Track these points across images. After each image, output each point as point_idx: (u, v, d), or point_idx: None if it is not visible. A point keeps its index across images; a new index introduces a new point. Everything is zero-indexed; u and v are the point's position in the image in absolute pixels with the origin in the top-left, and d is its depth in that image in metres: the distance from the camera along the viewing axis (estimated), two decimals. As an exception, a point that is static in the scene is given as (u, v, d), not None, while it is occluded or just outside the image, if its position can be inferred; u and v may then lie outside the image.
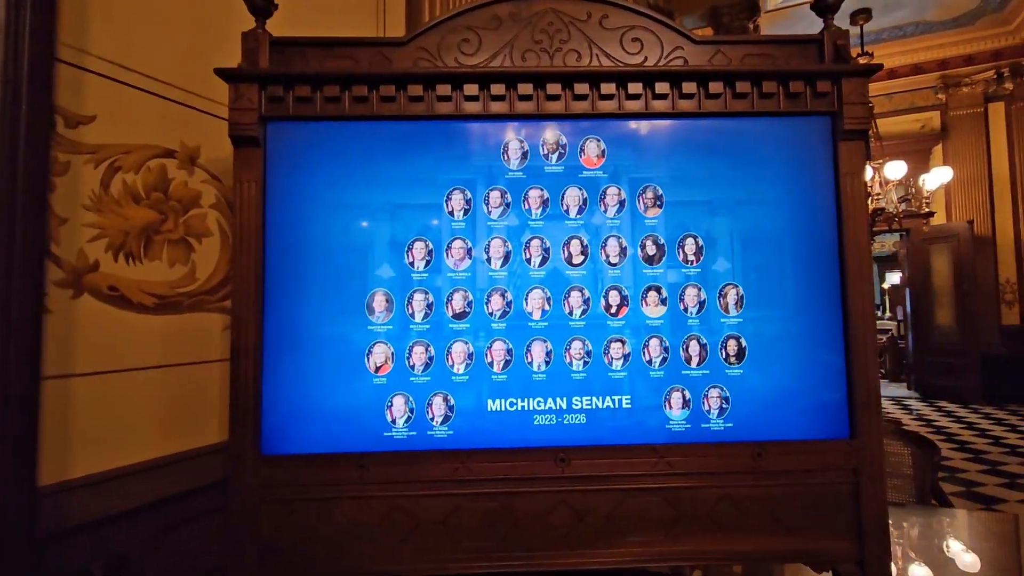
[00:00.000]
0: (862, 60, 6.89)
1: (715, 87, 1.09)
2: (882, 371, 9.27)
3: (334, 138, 1.08)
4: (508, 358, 1.06)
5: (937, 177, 6.31)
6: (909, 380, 8.25)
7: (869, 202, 6.39)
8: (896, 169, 6.04)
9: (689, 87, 1.09)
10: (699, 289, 1.08)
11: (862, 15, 6.89)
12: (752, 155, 1.12)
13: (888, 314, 15.58)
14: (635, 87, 1.09)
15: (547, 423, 1.06)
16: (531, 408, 1.06)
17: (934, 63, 7.90)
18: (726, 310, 1.08)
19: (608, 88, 1.09)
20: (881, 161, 6.25)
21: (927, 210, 6.53)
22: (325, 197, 1.07)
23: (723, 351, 1.08)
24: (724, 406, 1.07)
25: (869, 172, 6.19)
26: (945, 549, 1.62)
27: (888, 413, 6.71)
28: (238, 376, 1.01)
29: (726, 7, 5.77)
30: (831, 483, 1.06)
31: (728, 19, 5.81)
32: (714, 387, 1.07)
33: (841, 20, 6.39)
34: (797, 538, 1.06)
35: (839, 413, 1.06)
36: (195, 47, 1.28)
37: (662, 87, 1.09)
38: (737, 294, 1.09)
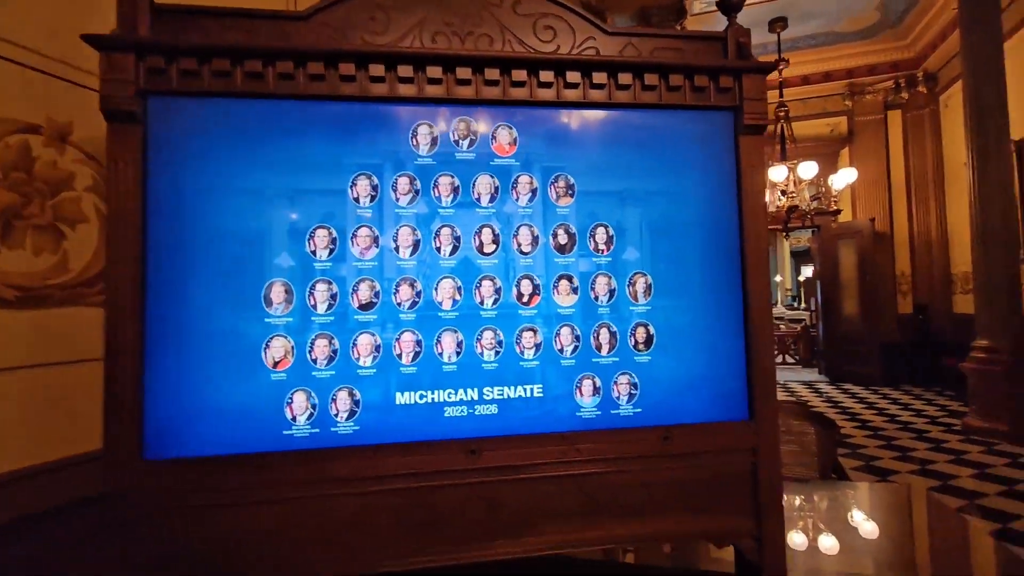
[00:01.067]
0: (780, 67, 7.33)
1: (624, 78, 1.11)
2: (796, 358, 9.98)
3: (226, 116, 1.00)
4: (418, 349, 1.03)
5: (843, 178, 6.81)
6: (820, 366, 8.91)
7: (784, 200, 6.82)
8: (808, 169, 6.47)
9: (599, 77, 1.10)
10: (610, 278, 1.10)
11: (779, 23, 7.32)
12: (661, 147, 1.14)
13: (803, 305, 16.74)
14: (546, 75, 1.08)
15: (458, 415, 1.04)
16: (441, 400, 1.04)
17: (842, 72, 8.53)
18: (635, 298, 1.10)
19: (519, 75, 1.08)
20: (795, 161, 6.68)
21: (835, 208, 7.06)
22: (216, 180, 0.99)
23: (632, 338, 1.10)
24: (633, 392, 1.09)
25: (784, 172, 6.61)
26: (847, 519, 1.75)
27: (800, 396, 7.22)
28: (115, 375, 0.92)
29: (655, 8, 5.95)
30: (732, 463, 1.11)
31: (657, 20, 6.00)
32: (623, 374, 1.09)
33: (761, 27, 6.72)
34: (702, 517, 1.10)
35: (739, 396, 1.11)
36: (68, 10, 1.15)
37: (573, 76, 1.09)
38: (646, 283, 1.11)
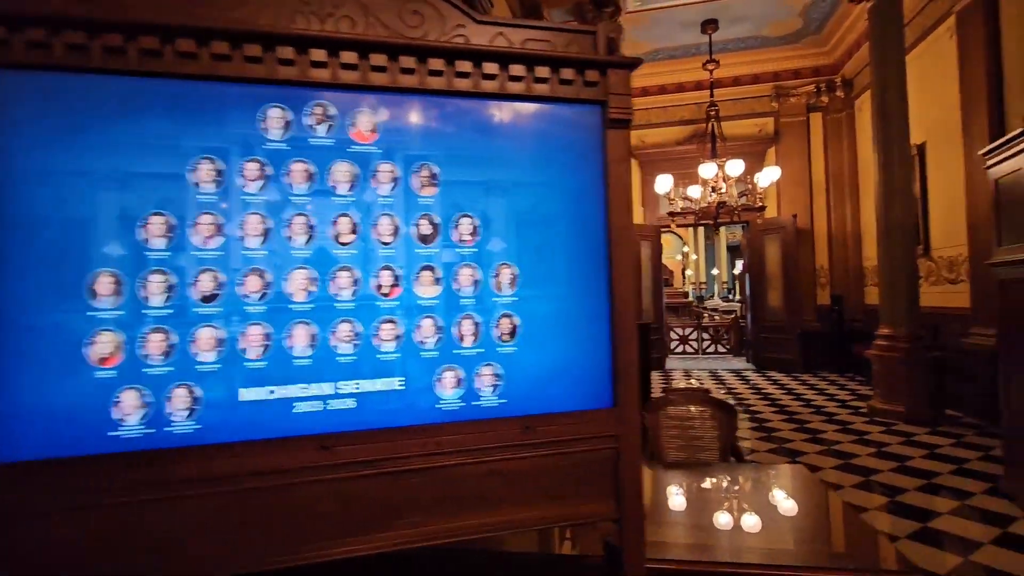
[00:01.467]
0: (709, 67, 7.58)
1: (491, 68, 1.10)
2: (727, 347, 10.45)
3: (44, 91, 0.92)
4: (266, 343, 0.99)
5: (768, 176, 7.13)
6: (748, 354, 9.36)
7: (714, 196, 7.08)
8: (735, 167, 6.74)
9: (464, 66, 1.09)
10: (474, 269, 1.09)
11: (711, 25, 7.57)
12: (528, 138, 1.14)
13: (738, 297, 17.54)
14: (408, 61, 1.06)
15: (310, 410, 1.01)
16: (292, 396, 1.00)
17: (769, 74, 8.93)
18: (500, 290, 1.10)
19: (379, 60, 1.05)
20: (724, 159, 6.95)
21: (760, 204, 7.40)
22: (32, 161, 0.91)
23: (497, 330, 1.10)
24: (497, 383, 1.09)
25: (714, 169, 6.86)
26: (742, 497, 1.84)
27: (728, 383, 7.57)
28: (-95, 375, 0.83)
29: (590, 4, 6.02)
30: (595, 450, 1.13)
31: (592, 16, 6.08)
32: (487, 365, 1.09)
33: (693, 29, 6.90)
34: (566, 504, 1.12)
35: (603, 385, 1.14)
36: None
37: (436, 64, 1.08)
38: (511, 274, 1.11)
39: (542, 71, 1.11)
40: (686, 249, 22.48)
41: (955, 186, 5.83)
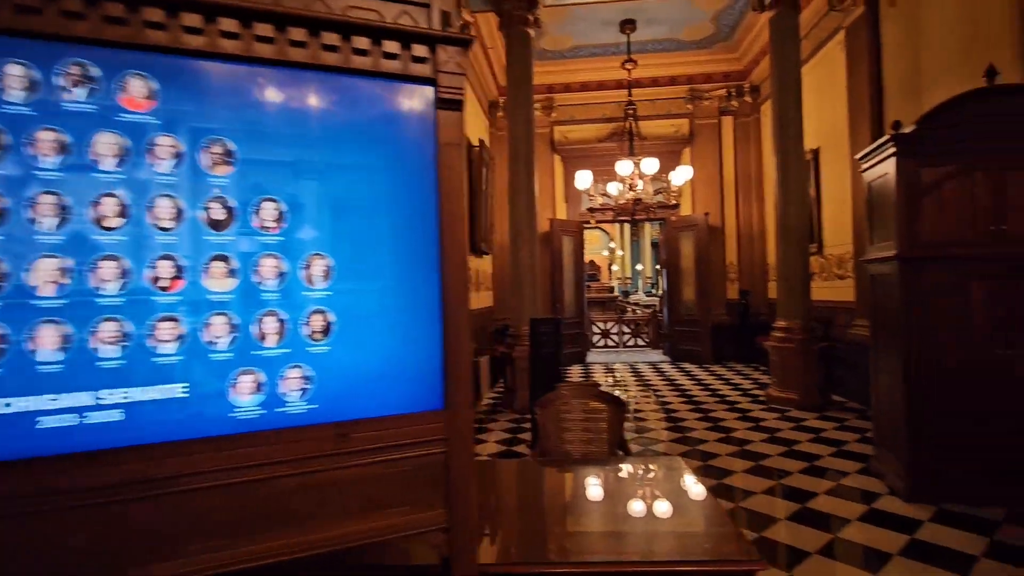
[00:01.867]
0: (628, 66, 7.74)
1: (298, 34, 0.98)
2: (646, 340, 10.82)
3: None
4: (2, 346, 0.83)
5: (681, 175, 7.38)
6: (665, 347, 9.73)
7: (630, 193, 7.25)
8: (650, 165, 6.92)
9: (264, 29, 0.96)
10: (279, 259, 0.97)
11: (629, 25, 7.74)
12: (347, 116, 1.03)
13: (659, 292, 18.19)
14: (192, 19, 0.92)
15: (62, 424, 0.86)
16: (36, 408, 0.84)
17: (685, 77, 9.27)
18: (312, 283, 0.99)
19: (155, 15, 0.90)
20: (641, 157, 7.13)
21: (674, 202, 7.66)
22: None
23: (307, 327, 0.99)
24: (306, 387, 0.98)
25: (630, 166, 7.01)
26: (612, 493, 1.83)
27: (643, 375, 7.82)
28: None
29: (506, -9, 5.97)
30: (422, 456, 1.05)
31: (509, 6, 6.02)
32: (295, 367, 0.98)
33: (613, 28, 6.98)
34: (389, 515, 1.03)
35: (433, 386, 1.06)
36: None
37: (229, 24, 0.94)
38: (325, 265, 1.00)
39: (361, 42, 1.01)
40: (613, 245, 23.12)
41: (843, 189, 6.29)
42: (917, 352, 3.20)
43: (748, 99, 9.08)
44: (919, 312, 3.20)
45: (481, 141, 7.38)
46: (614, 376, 7.93)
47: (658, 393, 6.58)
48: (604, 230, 24.36)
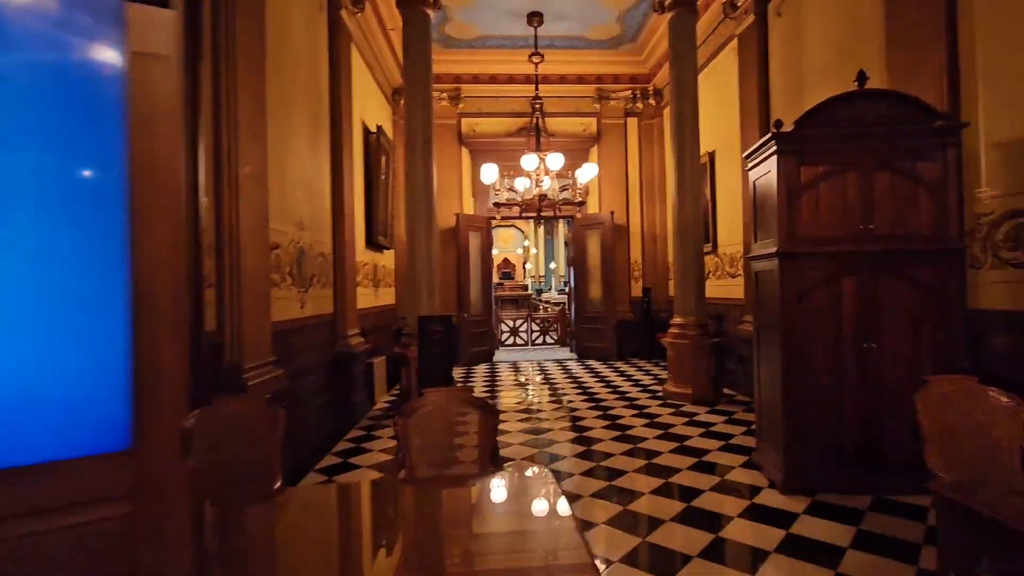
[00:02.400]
0: (535, 59, 7.59)
1: None
2: (554, 337, 10.82)
3: None
4: None
5: (586, 172, 7.32)
6: (571, 345, 9.75)
7: (536, 188, 7.09)
8: (555, 160, 6.80)
9: None
10: None
11: (536, 17, 7.59)
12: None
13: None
14: None
15: None
16: None
17: (593, 76, 9.32)
18: None
19: None
20: (546, 152, 7.00)
21: (580, 200, 7.61)
22: None
23: None
24: None
25: (535, 161, 6.85)
26: (486, 514, 1.56)
27: (548, 373, 7.73)
28: None
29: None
30: (91, 524, 0.69)
31: (406, -16, 5.65)
32: None
33: (519, 20, 6.74)
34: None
35: (111, 416, 0.70)
36: None
37: None
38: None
39: None
40: (527, 243, 23.23)
41: (735, 191, 6.53)
42: (794, 346, 3.25)
43: (652, 102, 9.30)
44: (796, 307, 3.25)
45: (380, 128, 6.90)
46: (518, 375, 7.77)
47: (560, 391, 6.49)
48: (519, 228, 24.44)
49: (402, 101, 9.07)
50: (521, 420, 5.17)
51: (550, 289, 21.86)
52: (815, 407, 3.26)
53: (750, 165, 3.74)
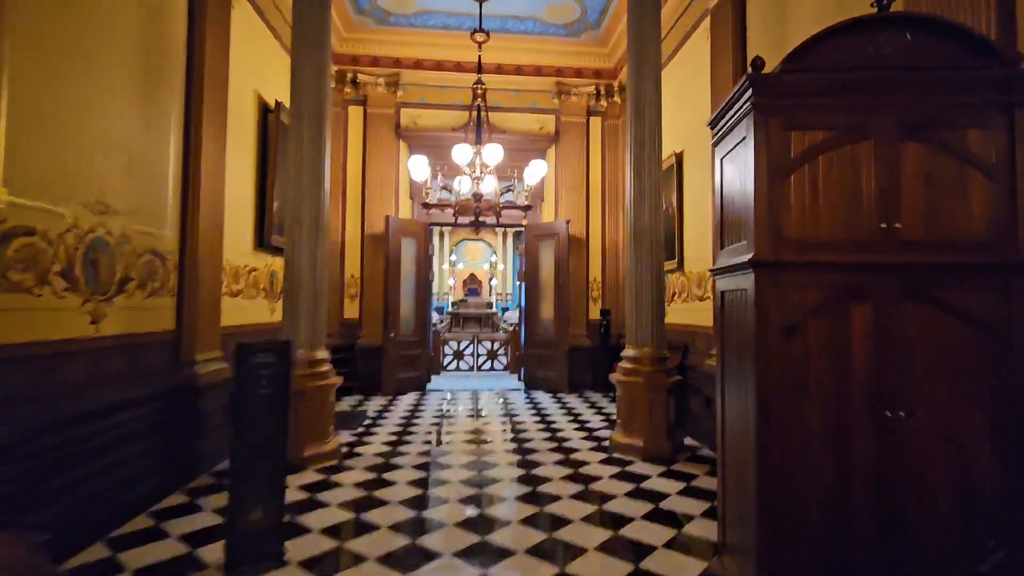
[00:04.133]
0: (478, 38, 6.44)
1: None
2: (503, 362, 9.56)
3: None
4: None
5: (535, 172, 6.16)
6: (519, 372, 8.50)
7: (471, 184, 5.90)
8: (493, 153, 5.61)
9: None
10: None
11: (480, -10, 6.49)
12: None
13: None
14: None
15: None
16: None
17: (552, 69, 8.25)
18: None
19: None
20: (481, 144, 5.82)
21: (526, 203, 6.43)
22: None
23: None
24: None
25: (469, 152, 5.66)
26: None
27: (482, 407, 6.45)
28: None
29: None
30: None
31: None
32: None
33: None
34: None
35: None
36: None
37: None
38: None
39: None
40: (494, 258, 22.08)
41: (706, 198, 5.43)
42: (776, 407, 2.06)
43: (618, 100, 8.26)
44: (779, 347, 2.06)
45: (279, 104, 5.66)
46: (444, 410, 6.46)
47: (484, 436, 5.20)
48: (487, 242, 23.27)
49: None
50: (412, 482, 3.87)
51: (518, 307, 20.63)
52: (806, 503, 2.06)
53: (716, 136, 2.59)
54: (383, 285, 7.55)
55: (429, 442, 4.96)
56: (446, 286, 22.29)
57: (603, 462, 4.37)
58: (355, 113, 8.04)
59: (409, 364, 7.68)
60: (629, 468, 4.20)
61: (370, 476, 3.96)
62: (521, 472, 4.10)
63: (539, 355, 7.96)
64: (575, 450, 4.72)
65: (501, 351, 9.84)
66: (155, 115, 3.77)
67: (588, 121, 8.41)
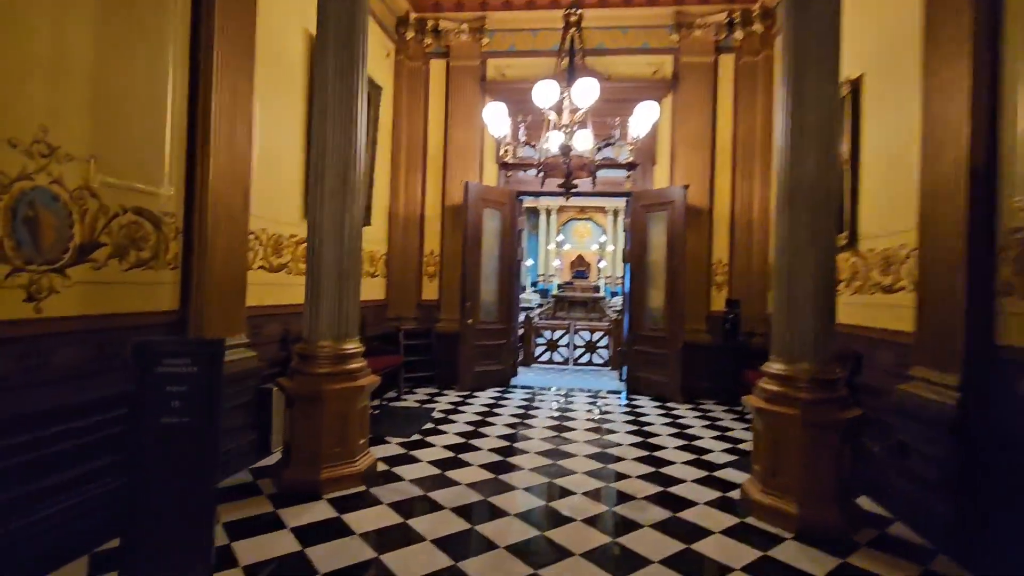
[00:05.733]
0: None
1: None
2: (604, 356, 8.18)
3: None
4: None
5: (645, 116, 4.70)
6: (620, 370, 7.09)
7: (561, 136, 4.60)
8: (586, 91, 4.25)
9: None
10: None
11: None
12: None
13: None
14: None
15: None
16: None
17: (671, -4, 6.57)
18: None
19: None
20: (571, 83, 4.47)
21: (630, 161, 4.96)
22: None
23: None
24: None
25: (555, 90, 4.36)
26: None
27: (569, 418, 5.20)
28: None
29: None
30: None
31: None
32: None
33: None
34: None
35: None
36: None
37: None
38: None
39: None
40: (604, 239, 20.42)
41: (904, 141, 3.62)
42: None
43: (757, 28, 6.38)
44: None
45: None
46: (522, 419, 5.29)
47: (560, 468, 3.94)
48: (596, 222, 21.65)
49: (409, 35, 6.95)
50: (448, 537, 2.76)
51: (623, 294, 18.90)
52: None
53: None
54: (459, 262, 6.54)
55: (492, 466, 3.83)
56: (552, 267, 21.17)
57: (731, 533, 2.92)
58: (437, 68, 7.04)
59: (490, 355, 6.64)
60: (775, 552, 2.71)
61: (396, 519, 2.93)
62: (604, 541, 2.80)
63: (645, 352, 6.49)
64: (687, 503, 3.31)
65: (602, 341, 8.47)
66: (137, 35, 2.96)
67: (716, 60, 6.62)
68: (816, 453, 2.96)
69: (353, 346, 3.47)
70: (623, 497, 3.35)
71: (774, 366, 3.23)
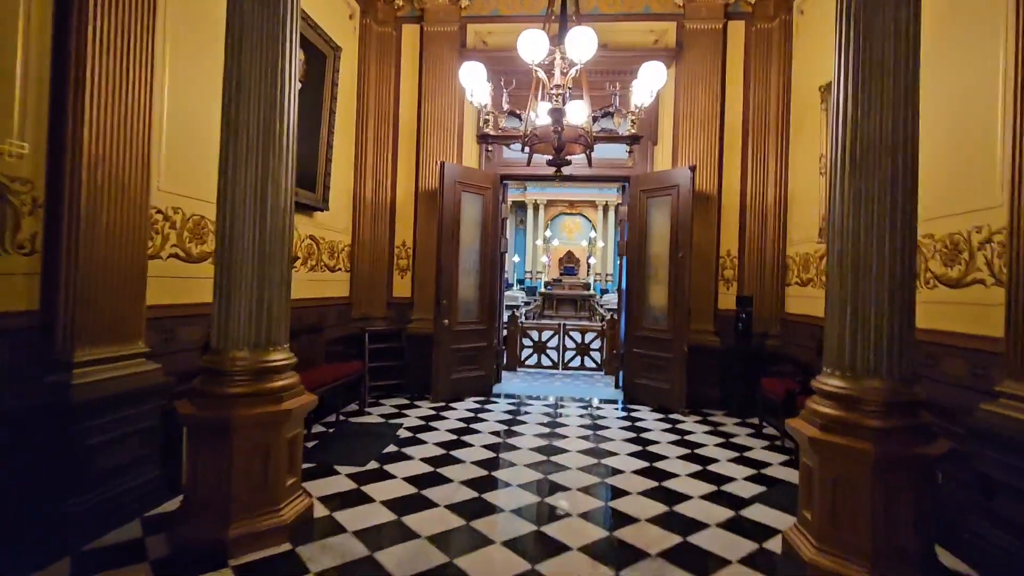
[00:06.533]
0: None
1: None
2: (597, 360, 7.42)
3: None
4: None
5: (650, 79, 3.94)
6: (616, 375, 6.34)
7: (550, 97, 3.81)
8: (582, 44, 3.46)
9: None
10: None
11: None
12: None
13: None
14: None
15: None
16: None
17: (675, -46, 5.81)
18: None
19: None
20: (559, 36, 3.69)
21: (632, 133, 4.19)
22: None
23: None
24: None
25: (544, 45, 3.56)
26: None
27: (558, 434, 4.42)
28: None
29: None
30: None
31: None
32: None
33: None
34: None
35: None
36: None
37: None
38: None
39: None
40: (593, 234, 19.70)
41: (980, 95, 2.89)
42: None
43: (773, -11, 5.64)
44: None
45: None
46: (501, 436, 4.49)
47: (551, 511, 3.16)
48: (585, 216, 20.91)
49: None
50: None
51: (618, 290, 18.24)
52: None
53: None
54: (434, 254, 5.73)
55: (464, 508, 3.03)
56: (540, 264, 20.42)
57: (780, 608, 2.15)
58: (410, 34, 6.21)
59: (469, 360, 5.84)
60: (849, 643, 1.94)
61: (326, 597, 2.12)
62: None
63: (644, 356, 5.73)
64: (716, 560, 2.53)
65: (595, 343, 7.71)
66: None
67: (726, 27, 5.87)
68: (893, 500, 2.21)
69: (280, 357, 2.64)
70: (632, 554, 2.56)
71: (829, 382, 2.46)
